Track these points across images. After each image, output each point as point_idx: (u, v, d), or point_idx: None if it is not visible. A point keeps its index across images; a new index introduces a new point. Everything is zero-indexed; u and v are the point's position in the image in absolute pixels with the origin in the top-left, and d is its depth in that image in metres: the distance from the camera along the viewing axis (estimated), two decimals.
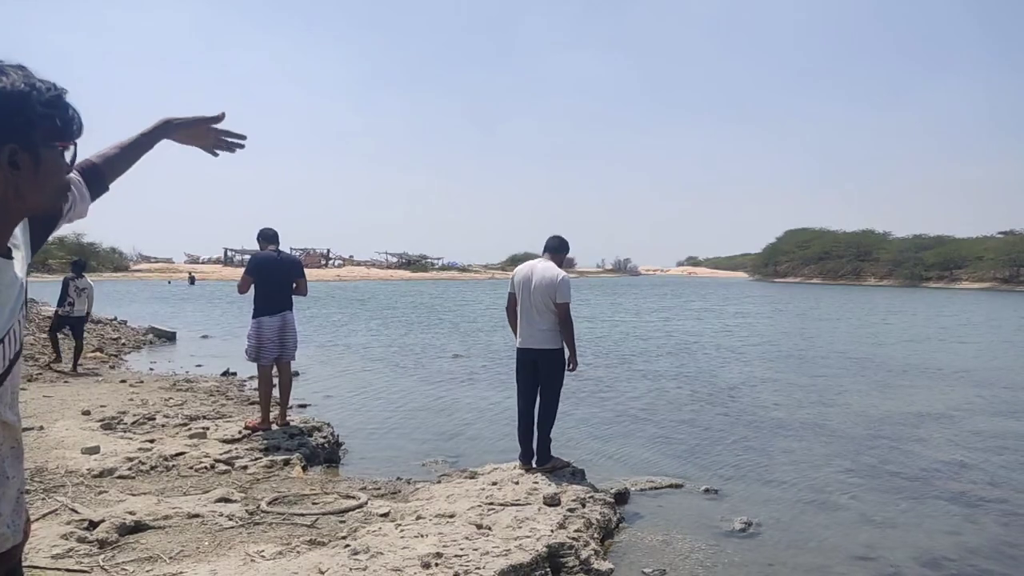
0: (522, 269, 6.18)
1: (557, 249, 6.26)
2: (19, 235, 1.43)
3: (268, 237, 7.41)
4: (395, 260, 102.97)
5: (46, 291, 13.43)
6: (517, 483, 5.73)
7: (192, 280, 59.26)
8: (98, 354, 14.05)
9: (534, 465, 6.11)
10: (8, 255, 1.35)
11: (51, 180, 1.32)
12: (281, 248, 7.52)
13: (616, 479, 6.60)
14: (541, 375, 6.10)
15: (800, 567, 4.93)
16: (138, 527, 4.56)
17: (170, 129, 1.77)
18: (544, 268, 6.06)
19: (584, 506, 5.31)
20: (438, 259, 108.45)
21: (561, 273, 6.04)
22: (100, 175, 1.69)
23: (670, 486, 6.57)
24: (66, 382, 10.59)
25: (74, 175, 1.61)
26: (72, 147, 1.35)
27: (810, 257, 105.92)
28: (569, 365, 6.13)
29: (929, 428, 9.28)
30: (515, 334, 6.25)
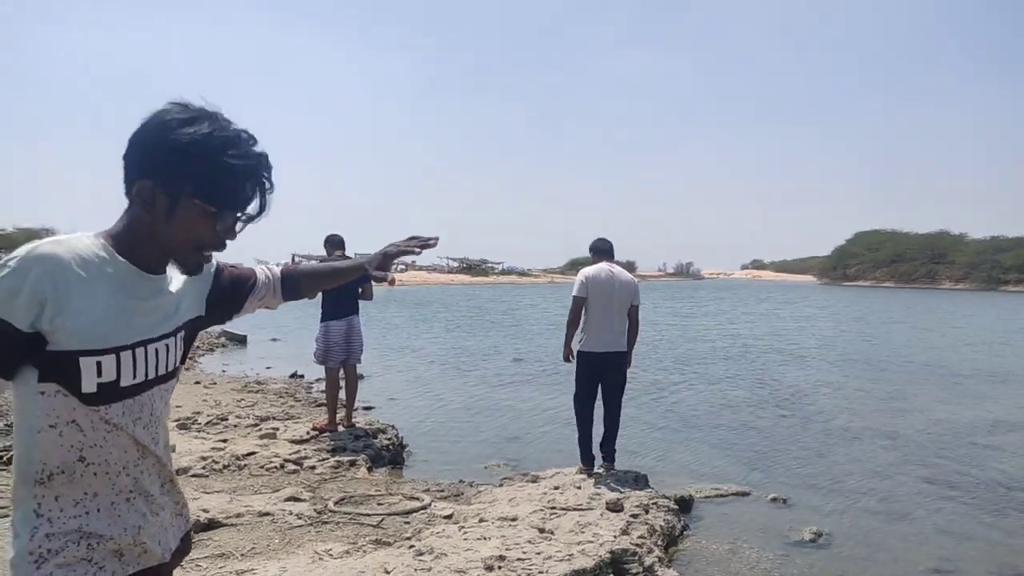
0: (599, 273, 6.03)
1: (612, 252, 6.28)
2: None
3: (335, 243, 7.58)
4: (456, 264, 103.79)
5: None
6: (579, 487, 5.72)
7: None
8: None
9: (603, 465, 6.14)
10: (155, 271, 1.39)
11: (183, 232, 1.34)
12: (347, 253, 7.68)
13: (680, 485, 6.51)
14: (613, 376, 6.09)
15: None
16: (212, 524, 4.72)
17: (386, 263, 1.83)
18: (620, 272, 6.12)
19: (647, 512, 5.25)
20: (498, 263, 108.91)
21: (634, 278, 6.19)
22: (295, 283, 1.77)
23: (736, 494, 6.46)
24: None
25: (273, 270, 1.76)
26: (226, 215, 1.35)
27: (881, 260, 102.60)
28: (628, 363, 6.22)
29: (1007, 436, 8.90)
30: (570, 340, 6.14)
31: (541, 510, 5.16)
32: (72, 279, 1.25)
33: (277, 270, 1.76)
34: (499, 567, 4.10)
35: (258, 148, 1.35)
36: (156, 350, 1.38)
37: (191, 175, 1.30)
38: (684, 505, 5.96)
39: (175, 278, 1.46)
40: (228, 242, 1.39)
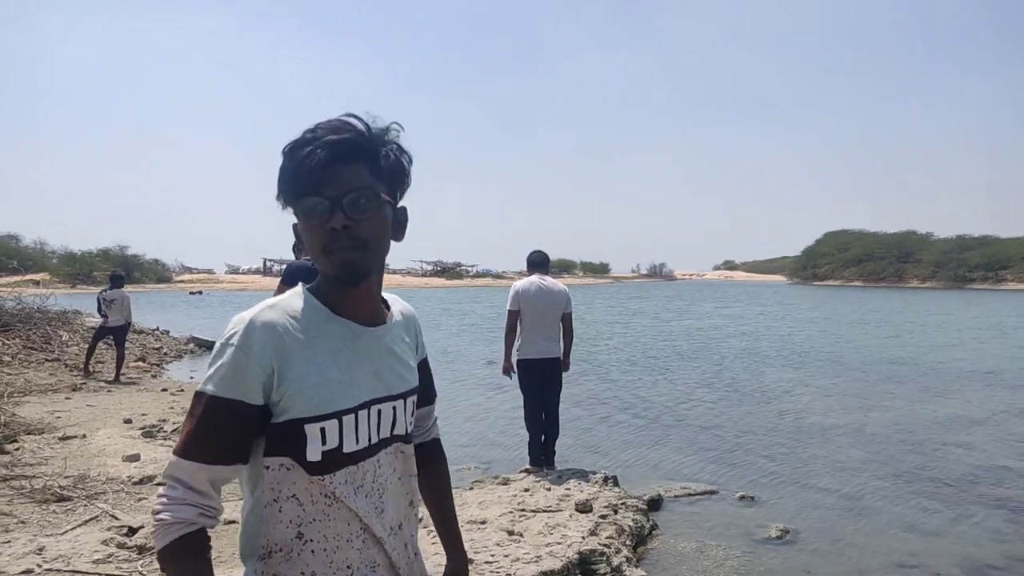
0: (530, 286, 6.38)
1: (547, 263, 6.65)
2: (413, 323, 1.47)
3: (304, 247, 7.53)
4: (430, 268, 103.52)
5: (90, 303, 14.05)
6: (549, 489, 5.72)
7: (200, 293, 62.44)
8: (140, 363, 14.36)
9: (545, 467, 6.40)
10: (372, 322, 1.33)
11: (308, 243, 1.25)
12: None
13: (649, 486, 6.56)
14: (551, 381, 6.42)
15: (837, 574, 4.84)
16: None
17: None
18: (552, 283, 6.47)
19: (616, 512, 5.28)
20: (472, 266, 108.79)
21: (565, 287, 6.55)
22: (422, 460, 1.52)
23: (705, 493, 6.51)
24: (109, 391, 10.84)
25: (434, 428, 1.62)
26: (303, 204, 1.22)
27: (850, 259, 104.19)
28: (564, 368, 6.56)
29: (971, 432, 9.06)
30: (508, 353, 6.54)
31: (511, 512, 5.16)
32: (291, 344, 1.20)
33: (436, 431, 1.63)
34: None
35: (323, 130, 1.22)
36: (380, 412, 1.30)
37: (281, 182, 1.24)
38: (653, 505, 6.00)
39: (402, 337, 1.40)
40: (343, 229, 1.22)
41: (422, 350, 1.50)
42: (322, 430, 1.21)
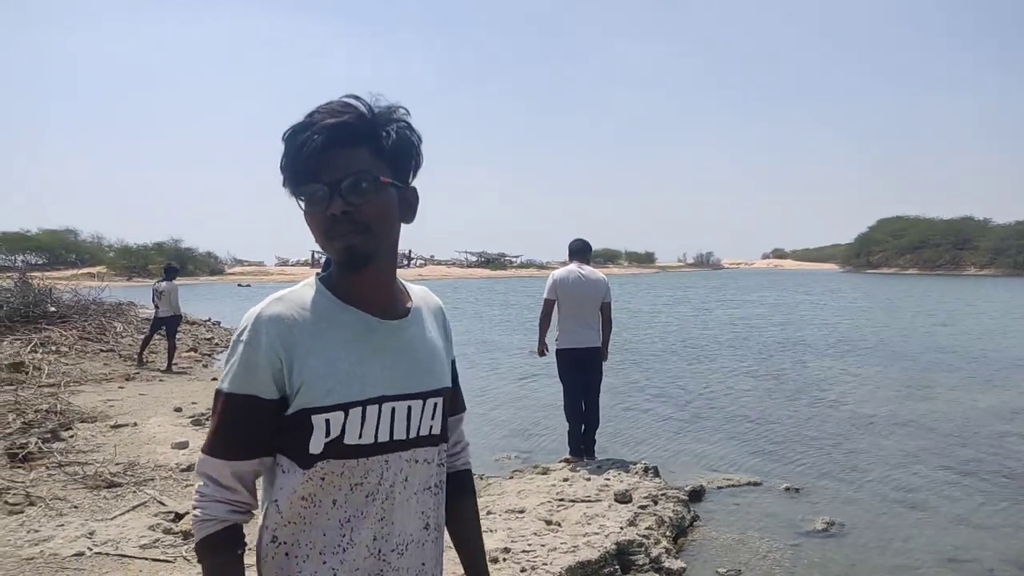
0: (568, 275, 6.32)
1: (587, 252, 6.57)
2: (441, 319, 1.43)
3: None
4: (474, 259, 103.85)
5: (144, 295, 14.51)
6: (588, 479, 5.70)
7: (248, 285, 62.97)
8: (192, 354, 14.71)
9: (585, 457, 6.38)
10: (388, 315, 1.28)
11: (313, 230, 1.22)
12: None
13: (692, 476, 6.48)
14: (590, 371, 6.38)
15: (884, 568, 4.72)
16: None
17: None
18: (590, 272, 6.39)
19: (656, 503, 5.23)
20: (516, 256, 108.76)
21: (605, 276, 6.48)
22: (451, 496, 1.42)
23: (748, 484, 6.41)
24: (161, 380, 11.13)
25: (465, 444, 1.51)
26: (304, 192, 1.19)
27: (905, 247, 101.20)
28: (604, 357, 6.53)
29: (1023, 422, 8.74)
30: (543, 336, 6.57)
31: (549, 502, 5.15)
32: (300, 336, 1.19)
33: (466, 457, 1.53)
34: (504, 559, 4.10)
35: (320, 114, 1.18)
36: (394, 409, 1.23)
37: (283, 177, 1.21)
38: (695, 495, 5.93)
39: (427, 331, 1.35)
40: (342, 215, 1.18)
41: (451, 351, 1.43)
42: (327, 421, 1.17)
